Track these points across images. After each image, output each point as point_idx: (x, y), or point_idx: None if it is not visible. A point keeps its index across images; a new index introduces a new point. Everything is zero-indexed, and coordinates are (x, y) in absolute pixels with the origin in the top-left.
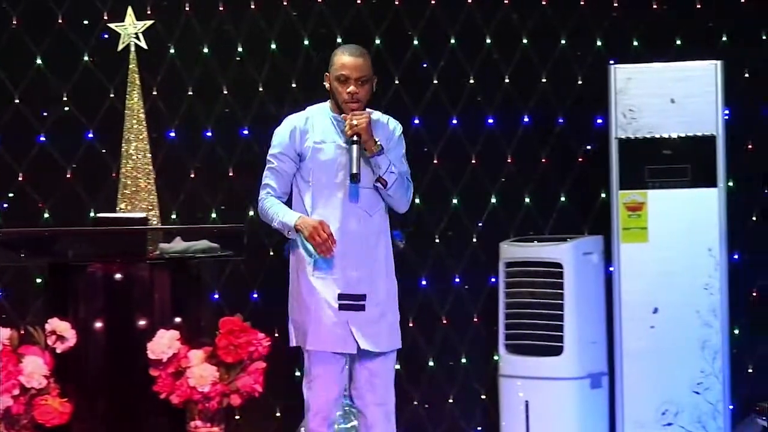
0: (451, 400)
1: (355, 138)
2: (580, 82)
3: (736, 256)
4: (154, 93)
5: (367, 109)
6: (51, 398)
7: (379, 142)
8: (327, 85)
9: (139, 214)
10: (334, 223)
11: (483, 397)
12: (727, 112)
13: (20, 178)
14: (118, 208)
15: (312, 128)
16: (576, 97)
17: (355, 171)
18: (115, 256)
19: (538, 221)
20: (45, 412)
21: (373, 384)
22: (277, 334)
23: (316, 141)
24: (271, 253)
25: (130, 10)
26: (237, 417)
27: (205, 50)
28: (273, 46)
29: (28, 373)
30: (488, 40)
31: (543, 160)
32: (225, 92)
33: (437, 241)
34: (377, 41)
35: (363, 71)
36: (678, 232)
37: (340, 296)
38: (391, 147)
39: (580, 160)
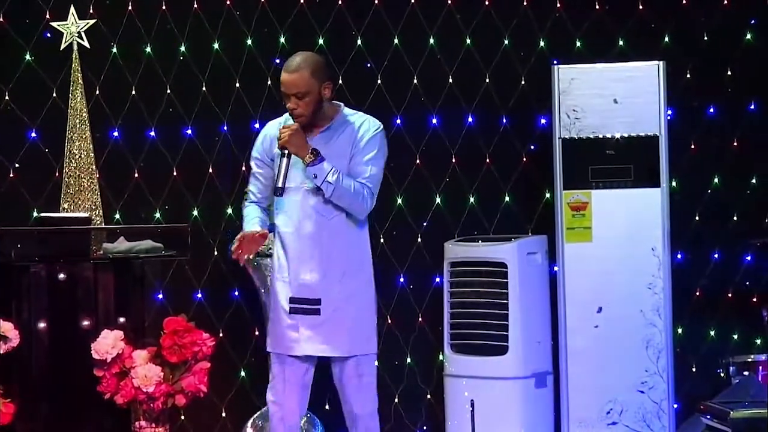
0: (396, 400)
1: (285, 151)
2: (523, 83)
3: (679, 256)
4: (97, 92)
5: (346, 110)
6: None
7: (312, 152)
8: None
9: (83, 213)
10: (291, 226)
11: (429, 396)
12: (669, 112)
13: None
14: (61, 208)
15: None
16: (519, 97)
17: (279, 185)
18: (59, 256)
19: (483, 221)
20: None
21: (344, 388)
22: (221, 334)
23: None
24: (216, 253)
25: (72, 9)
26: (182, 417)
27: (148, 49)
28: (216, 45)
29: None
30: (431, 41)
31: (487, 160)
32: (168, 92)
33: (381, 240)
34: (320, 41)
35: (299, 86)
36: (622, 232)
37: (292, 300)
38: (355, 151)
39: (524, 160)
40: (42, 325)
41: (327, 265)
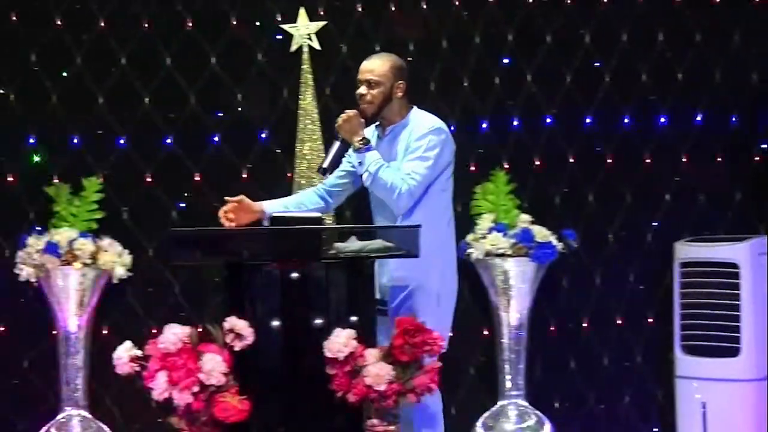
0: (627, 400)
1: (339, 135)
2: (754, 79)
3: None
4: (327, 93)
5: (415, 110)
6: (230, 395)
7: (362, 140)
8: None
9: (315, 213)
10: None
11: (659, 397)
12: None
13: (196, 179)
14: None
15: None
16: (751, 95)
17: (324, 165)
18: (291, 255)
19: (714, 220)
20: (224, 408)
21: None
22: (451, 333)
23: None
24: None
25: (302, 11)
26: None
27: (377, 49)
28: (444, 44)
29: (208, 371)
30: (624, 37)
31: (718, 159)
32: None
33: (611, 240)
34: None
35: (374, 74)
36: None
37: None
38: (408, 148)
39: (756, 158)
40: (275, 323)
41: (393, 268)
